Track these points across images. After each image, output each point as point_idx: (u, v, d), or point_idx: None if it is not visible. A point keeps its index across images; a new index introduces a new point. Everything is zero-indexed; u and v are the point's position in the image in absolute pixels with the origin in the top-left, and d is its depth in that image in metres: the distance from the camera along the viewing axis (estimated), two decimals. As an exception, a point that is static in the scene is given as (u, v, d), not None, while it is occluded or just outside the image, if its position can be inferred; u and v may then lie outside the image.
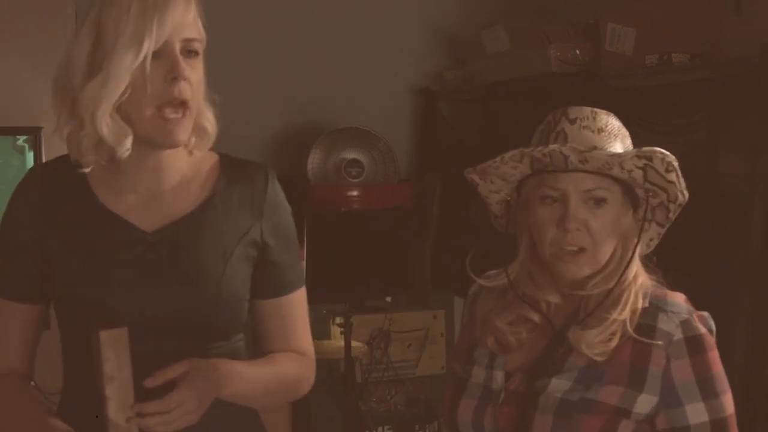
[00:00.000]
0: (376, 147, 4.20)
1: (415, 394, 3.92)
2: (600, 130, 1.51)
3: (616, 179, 1.50)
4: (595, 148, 1.47)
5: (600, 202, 1.50)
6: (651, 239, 1.58)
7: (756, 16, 3.03)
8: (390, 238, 3.57)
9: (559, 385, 1.49)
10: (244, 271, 1.58)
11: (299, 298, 1.66)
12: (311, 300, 3.52)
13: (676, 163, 1.47)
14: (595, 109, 1.55)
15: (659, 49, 3.34)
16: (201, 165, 1.59)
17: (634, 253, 1.52)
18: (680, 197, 1.52)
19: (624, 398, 1.46)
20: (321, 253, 3.41)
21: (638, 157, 1.46)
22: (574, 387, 1.48)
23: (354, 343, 3.50)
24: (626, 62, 3.54)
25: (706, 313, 1.53)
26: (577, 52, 3.83)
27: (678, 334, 1.47)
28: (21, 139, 3.21)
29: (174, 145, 1.50)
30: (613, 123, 1.54)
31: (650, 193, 1.53)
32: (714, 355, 1.49)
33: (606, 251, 1.52)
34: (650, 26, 3.46)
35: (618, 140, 1.52)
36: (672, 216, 1.55)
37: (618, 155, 1.47)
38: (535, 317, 1.56)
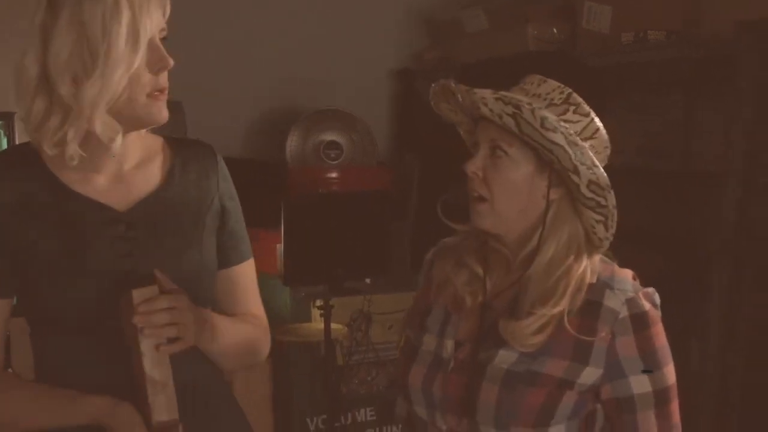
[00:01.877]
0: (354, 129, 4.20)
1: (396, 375, 3.93)
2: (537, 96, 1.53)
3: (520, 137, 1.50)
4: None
5: (500, 153, 1.52)
6: (593, 227, 1.53)
7: (732, -6, 3.03)
8: (369, 219, 3.56)
9: (505, 357, 1.51)
10: (213, 241, 1.64)
11: (250, 266, 1.73)
12: (290, 282, 3.53)
13: (557, 123, 1.45)
14: (551, 81, 1.55)
15: (635, 27, 3.34)
16: (152, 145, 1.63)
17: (544, 226, 1.52)
18: (581, 169, 1.46)
19: (568, 370, 1.50)
20: (299, 235, 3.40)
21: (502, 101, 1.47)
22: (520, 359, 1.50)
23: (334, 326, 3.50)
24: (603, 40, 3.54)
25: (651, 289, 1.55)
26: (555, 30, 3.83)
27: (624, 312, 1.49)
28: (-4, 125, 3.19)
29: (161, 123, 1.53)
30: (557, 95, 1.53)
31: (552, 160, 1.50)
32: (657, 330, 1.52)
33: (507, 208, 1.53)
34: (627, 4, 3.46)
35: (547, 107, 1.51)
36: (589, 196, 1.49)
37: (481, 92, 1.49)
38: (481, 275, 1.59)
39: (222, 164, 1.68)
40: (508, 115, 1.47)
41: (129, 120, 1.50)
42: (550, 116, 1.45)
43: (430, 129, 4.52)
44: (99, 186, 1.56)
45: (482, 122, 1.55)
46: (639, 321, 1.50)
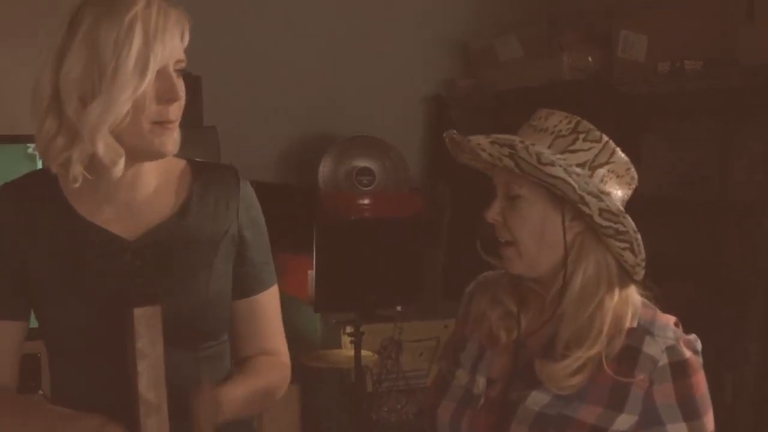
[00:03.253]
0: (387, 155, 4.20)
1: (425, 406, 3.90)
2: (543, 130, 1.51)
3: (538, 180, 1.48)
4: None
5: (514, 197, 1.51)
6: (620, 255, 1.49)
7: (769, 23, 3.01)
8: (401, 246, 3.55)
9: (538, 398, 1.48)
10: (227, 271, 1.61)
11: (272, 296, 1.68)
12: (321, 309, 3.52)
13: (552, 157, 1.43)
14: (558, 112, 1.53)
15: (671, 57, 3.33)
16: (171, 171, 1.61)
17: (566, 259, 1.49)
18: (588, 198, 1.44)
19: (602, 417, 1.46)
20: (331, 261, 3.39)
21: (497, 144, 1.46)
22: (553, 402, 1.47)
23: (364, 353, 3.48)
24: (639, 69, 3.52)
25: (693, 336, 1.51)
26: (590, 59, 3.82)
27: (663, 360, 1.46)
28: (31, 147, 3.22)
29: (164, 156, 1.52)
30: (564, 125, 1.51)
31: (559, 193, 1.48)
32: (698, 379, 1.48)
33: (532, 248, 1.51)
34: (663, 33, 3.45)
35: (555, 140, 1.49)
36: (605, 224, 1.46)
37: (476, 139, 1.49)
38: (515, 313, 1.57)
39: (246, 190, 1.64)
40: (505, 156, 1.47)
41: (132, 149, 1.49)
42: (545, 151, 1.44)
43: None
44: (110, 214, 1.55)
45: (495, 168, 1.54)
46: (679, 369, 1.46)
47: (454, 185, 4.42)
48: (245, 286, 1.64)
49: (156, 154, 1.51)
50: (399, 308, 3.71)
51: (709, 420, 1.48)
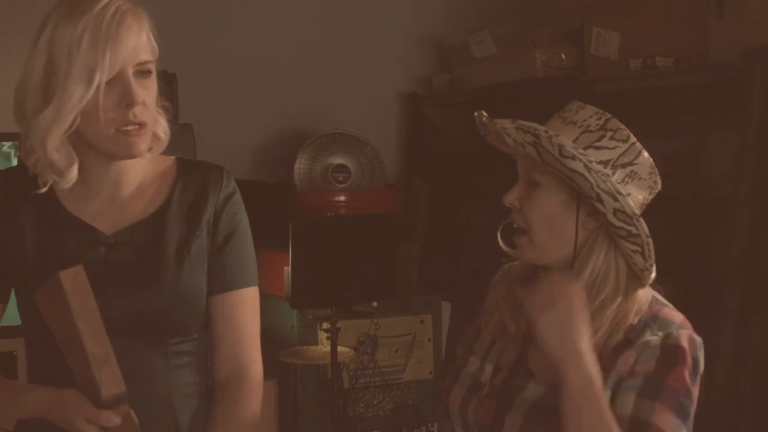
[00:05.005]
0: (362, 152, 4.21)
1: (402, 399, 3.91)
2: (572, 123, 1.50)
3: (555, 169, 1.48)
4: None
5: (534, 184, 1.51)
6: (631, 257, 1.48)
7: (738, 20, 3.04)
8: (377, 242, 3.56)
9: (534, 390, 1.50)
10: (201, 267, 1.60)
11: (249, 296, 1.65)
12: (297, 305, 3.53)
13: (574, 150, 1.42)
14: (590, 107, 1.53)
15: (643, 53, 3.36)
16: (157, 169, 1.63)
17: (574, 261, 1.49)
18: (603, 197, 1.43)
19: None
20: (307, 258, 3.40)
21: (522, 130, 1.46)
22: (546, 394, 1.48)
23: (341, 349, 3.49)
24: (611, 66, 3.55)
25: (697, 338, 1.48)
26: (563, 56, 3.85)
27: (656, 342, 1.45)
28: (6, 145, 3.20)
29: (134, 157, 1.53)
30: (593, 121, 1.50)
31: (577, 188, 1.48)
32: (681, 371, 1.43)
33: (545, 238, 1.51)
34: (635, 30, 3.48)
35: (581, 134, 1.49)
36: (618, 224, 1.45)
37: (501, 122, 1.48)
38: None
39: (229, 189, 1.63)
40: (529, 144, 1.46)
41: (104, 151, 1.51)
42: (567, 143, 1.43)
43: (438, 152, 4.55)
44: (95, 209, 1.57)
45: (519, 153, 1.53)
46: (668, 352, 1.44)
47: (429, 182, 4.44)
48: (220, 282, 1.62)
49: (128, 156, 1.52)
50: (375, 304, 3.72)
51: (662, 416, 1.40)
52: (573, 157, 1.42)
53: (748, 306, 2.82)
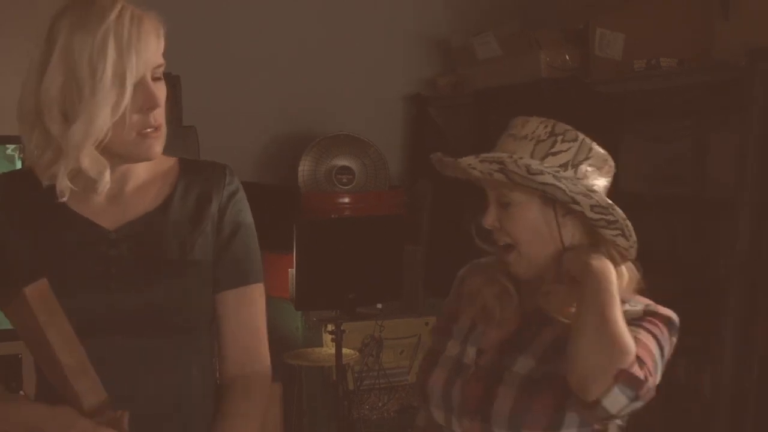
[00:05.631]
0: (366, 154, 4.21)
1: (407, 401, 3.91)
2: (524, 138, 1.62)
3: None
4: (509, 155, 1.59)
5: (507, 203, 1.63)
6: (613, 241, 1.59)
7: (743, 21, 3.04)
8: (381, 244, 3.56)
9: (524, 363, 1.60)
10: (205, 265, 1.60)
11: (255, 293, 1.66)
12: (302, 307, 3.53)
13: (541, 167, 1.55)
14: (534, 118, 1.64)
15: (648, 54, 3.35)
16: (160, 168, 1.64)
17: (564, 248, 1.61)
18: (578, 198, 1.55)
19: None
20: (312, 260, 3.40)
21: (487, 162, 1.57)
22: (538, 366, 1.59)
23: (345, 351, 3.49)
24: (615, 67, 3.55)
25: (674, 315, 1.61)
26: (567, 57, 3.84)
27: (639, 310, 1.58)
28: (10, 148, 3.21)
29: (150, 159, 1.55)
30: (541, 131, 1.61)
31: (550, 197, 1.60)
32: (658, 327, 1.56)
33: (533, 248, 1.63)
34: (639, 31, 3.48)
35: (536, 146, 1.60)
36: (596, 218, 1.57)
37: (466, 160, 1.60)
38: (512, 291, 1.68)
39: (233, 186, 1.64)
40: (495, 171, 1.57)
41: (120, 155, 1.52)
42: (533, 162, 1.56)
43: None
44: (96, 205, 1.58)
45: (485, 181, 1.64)
46: (650, 313, 1.58)
47: (434, 183, 4.44)
48: (228, 278, 1.63)
49: (144, 158, 1.54)
50: (380, 306, 3.72)
51: (646, 337, 1.53)
52: (541, 173, 1.54)
53: (752, 307, 2.82)
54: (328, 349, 3.59)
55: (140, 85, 1.47)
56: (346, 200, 4.11)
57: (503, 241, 1.64)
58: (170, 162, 1.66)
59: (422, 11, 4.62)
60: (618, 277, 1.57)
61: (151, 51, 1.48)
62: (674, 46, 3.31)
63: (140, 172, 1.60)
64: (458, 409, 1.64)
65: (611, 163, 1.65)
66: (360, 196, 4.12)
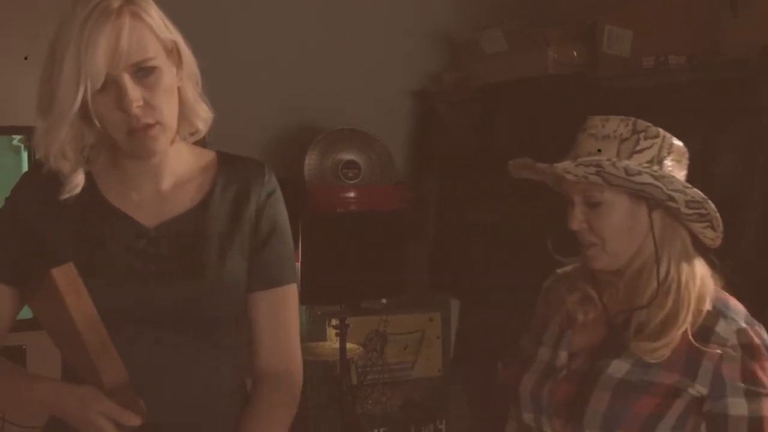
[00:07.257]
0: (372, 148, 4.20)
1: (411, 396, 3.91)
2: (605, 137, 1.64)
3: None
4: (588, 154, 1.63)
5: (595, 204, 1.65)
6: (702, 233, 1.65)
7: (753, 17, 3.02)
8: (386, 239, 3.56)
9: (619, 366, 1.63)
10: (242, 263, 1.60)
11: (289, 294, 1.67)
12: (307, 301, 3.53)
13: (639, 167, 1.58)
14: (612, 117, 1.66)
15: (656, 51, 3.34)
16: (199, 163, 1.63)
17: (657, 251, 1.64)
18: (675, 195, 1.59)
19: (679, 382, 1.60)
20: (317, 254, 3.40)
21: (584, 166, 1.60)
22: (633, 369, 1.61)
23: (349, 345, 3.49)
24: (623, 64, 3.53)
25: (761, 326, 1.64)
26: (575, 53, 3.83)
27: (733, 340, 1.59)
28: (16, 139, 3.21)
29: (151, 158, 1.54)
30: (623, 129, 1.64)
31: (645, 196, 1.64)
32: (763, 364, 1.60)
33: (619, 245, 1.65)
34: (647, 28, 3.46)
35: (619, 145, 1.63)
36: (690, 213, 1.61)
37: (562, 165, 1.63)
38: (595, 297, 1.72)
39: (271, 186, 1.64)
40: (592, 174, 1.60)
41: (126, 154, 1.53)
42: (631, 163, 1.58)
43: (448, 149, 4.54)
44: (136, 201, 1.58)
45: (566, 183, 1.66)
46: (747, 351, 1.60)
47: (439, 178, 4.44)
48: (264, 278, 1.63)
49: (145, 157, 1.53)
50: (384, 301, 3.72)
51: (765, 406, 1.59)
52: (639, 173, 1.58)
53: (759, 305, 2.80)
54: (332, 343, 3.59)
55: (111, 84, 1.44)
56: (352, 194, 4.10)
57: (589, 241, 1.66)
58: (209, 156, 1.65)
59: (428, 6, 4.61)
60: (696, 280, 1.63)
61: (111, 50, 1.43)
62: (683, 43, 3.29)
63: (176, 166, 1.59)
64: (548, 409, 1.68)
65: (687, 154, 1.70)
66: (366, 190, 4.12)
